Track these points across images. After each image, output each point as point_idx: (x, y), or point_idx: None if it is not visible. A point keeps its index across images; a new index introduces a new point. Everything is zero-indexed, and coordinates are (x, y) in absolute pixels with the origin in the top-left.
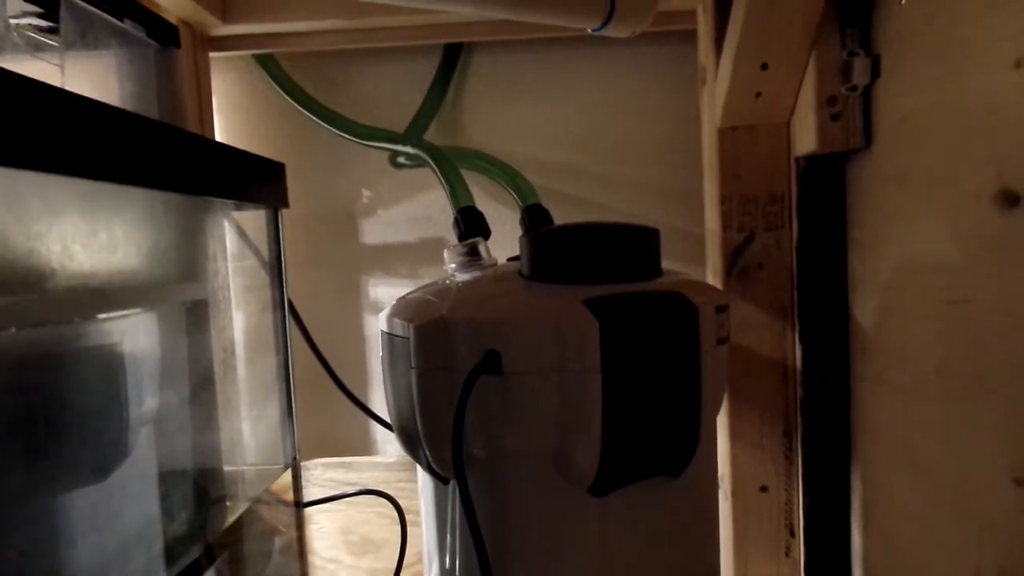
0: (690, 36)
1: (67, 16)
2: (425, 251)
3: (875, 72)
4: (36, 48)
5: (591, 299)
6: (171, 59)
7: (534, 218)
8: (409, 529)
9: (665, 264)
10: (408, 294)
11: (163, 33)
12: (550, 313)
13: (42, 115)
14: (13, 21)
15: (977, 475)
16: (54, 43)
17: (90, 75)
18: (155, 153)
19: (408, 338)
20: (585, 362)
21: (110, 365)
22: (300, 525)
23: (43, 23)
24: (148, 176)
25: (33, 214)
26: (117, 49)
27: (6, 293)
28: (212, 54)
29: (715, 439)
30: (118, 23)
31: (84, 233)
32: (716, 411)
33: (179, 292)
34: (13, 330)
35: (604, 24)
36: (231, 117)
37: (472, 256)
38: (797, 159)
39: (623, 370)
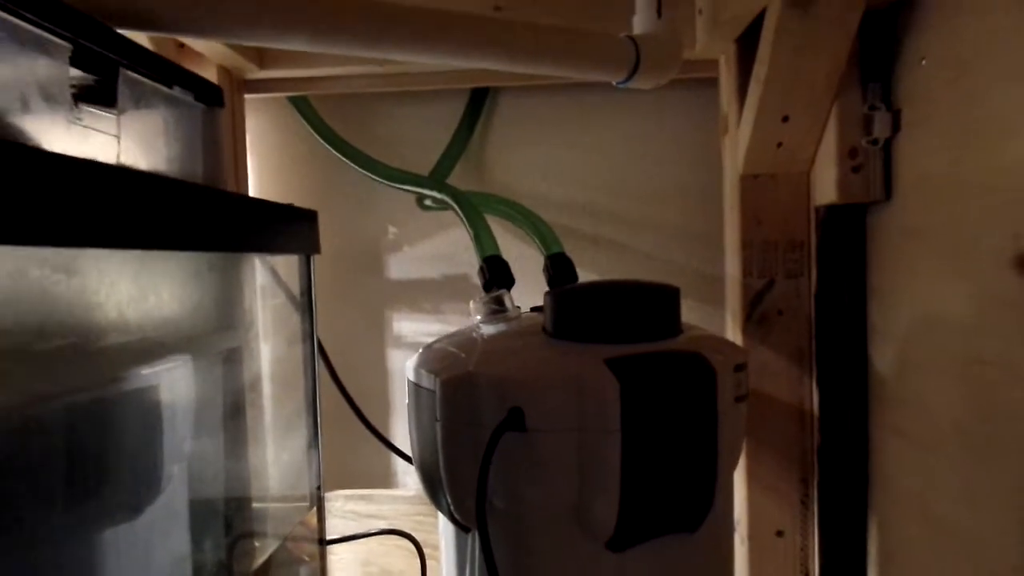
0: (713, 82)
1: (123, 88)
2: (449, 288)
3: (896, 126)
4: (91, 117)
5: (612, 359)
6: (215, 118)
7: (557, 267)
8: (428, 563)
9: (686, 305)
10: (434, 343)
11: (209, 95)
12: (573, 372)
13: (100, 194)
14: (72, 87)
15: (991, 533)
16: (110, 114)
17: (138, 137)
18: (202, 219)
19: (434, 391)
20: (606, 421)
21: (152, 411)
22: (323, 560)
23: (94, 83)
24: (195, 241)
25: (92, 286)
26: (165, 111)
27: (68, 355)
28: (247, 95)
29: (731, 494)
30: (168, 90)
31: (135, 299)
32: (733, 467)
33: (216, 342)
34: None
35: (629, 78)
36: (264, 154)
37: (497, 306)
38: (817, 208)
39: (642, 430)
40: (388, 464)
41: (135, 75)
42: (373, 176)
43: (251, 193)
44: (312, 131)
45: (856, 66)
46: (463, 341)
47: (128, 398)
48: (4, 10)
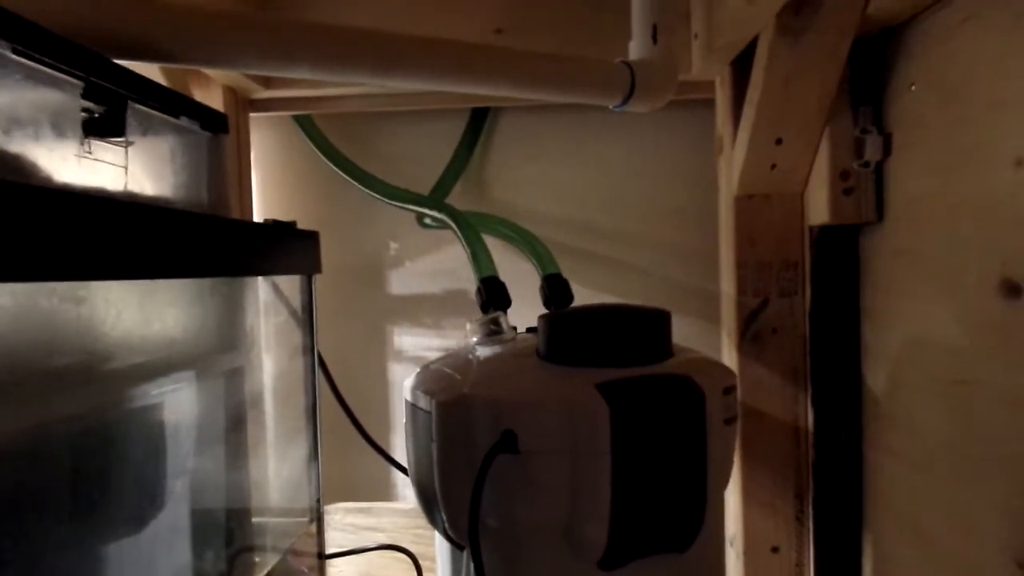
0: (710, 103)
1: (131, 120)
2: (448, 303)
3: (887, 149)
4: (100, 149)
5: (602, 383)
6: (220, 144)
7: (553, 288)
8: (425, 575)
9: (683, 322)
10: (431, 364)
11: (214, 123)
12: (564, 396)
13: (109, 230)
14: (82, 121)
15: (981, 554)
16: (118, 145)
17: (145, 166)
18: (206, 247)
19: (431, 412)
20: (596, 444)
21: (156, 428)
22: (322, 573)
23: (103, 117)
24: (199, 269)
25: (99, 315)
26: (171, 140)
27: (76, 379)
28: (252, 114)
29: (722, 514)
30: (175, 120)
31: (141, 325)
32: (723, 487)
33: (219, 362)
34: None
35: (625, 102)
36: (268, 171)
37: (494, 327)
38: (811, 228)
39: (632, 453)
40: (388, 477)
41: (142, 107)
42: (374, 194)
43: (255, 209)
44: (315, 149)
45: (847, 90)
46: (459, 363)
47: (133, 417)
48: (20, 53)
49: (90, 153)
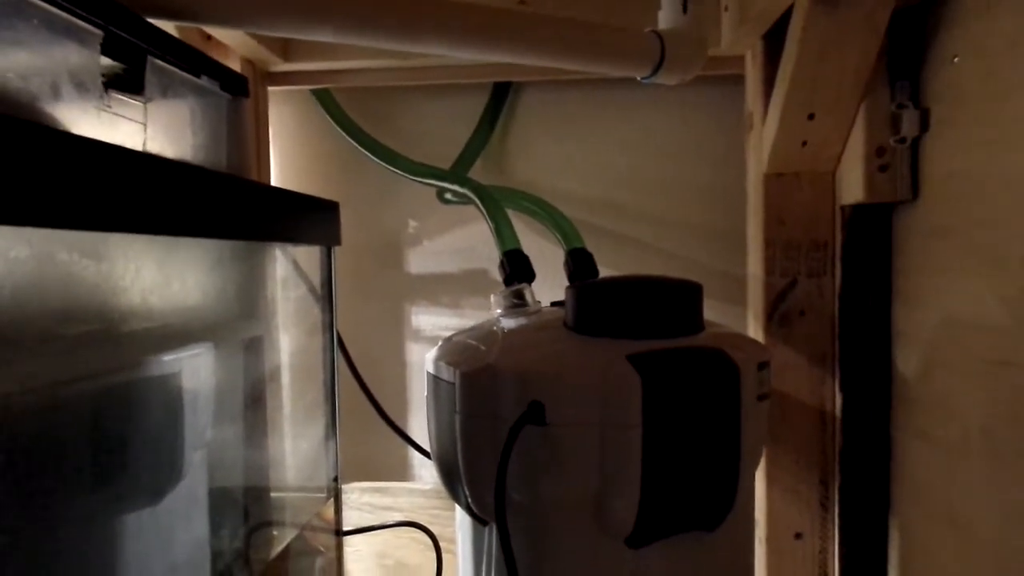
0: (738, 79)
1: (151, 76)
2: (468, 282)
3: (924, 125)
4: (119, 104)
5: (634, 355)
6: (240, 108)
7: (578, 262)
8: (444, 556)
9: (707, 304)
10: (454, 336)
11: (234, 85)
12: (594, 367)
13: (128, 179)
14: (102, 75)
15: (1021, 541)
16: (137, 101)
17: (165, 125)
18: (226, 207)
19: (454, 383)
20: (627, 417)
21: (173, 397)
22: (339, 551)
23: (122, 71)
24: (218, 228)
25: (118, 272)
26: (191, 100)
27: (93, 339)
28: (271, 88)
29: (753, 494)
30: (195, 79)
31: (160, 286)
32: (755, 466)
33: (238, 330)
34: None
35: (654, 72)
36: (286, 147)
37: (518, 300)
38: (843, 207)
39: (664, 426)
40: (405, 457)
41: (162, 63)
42: (394, 169)
43: (273, 185)
44: (334, 124)
45: (884, 64)
46: (483, 334)
47: (150, 384)
48: None
49: (110, 107)
